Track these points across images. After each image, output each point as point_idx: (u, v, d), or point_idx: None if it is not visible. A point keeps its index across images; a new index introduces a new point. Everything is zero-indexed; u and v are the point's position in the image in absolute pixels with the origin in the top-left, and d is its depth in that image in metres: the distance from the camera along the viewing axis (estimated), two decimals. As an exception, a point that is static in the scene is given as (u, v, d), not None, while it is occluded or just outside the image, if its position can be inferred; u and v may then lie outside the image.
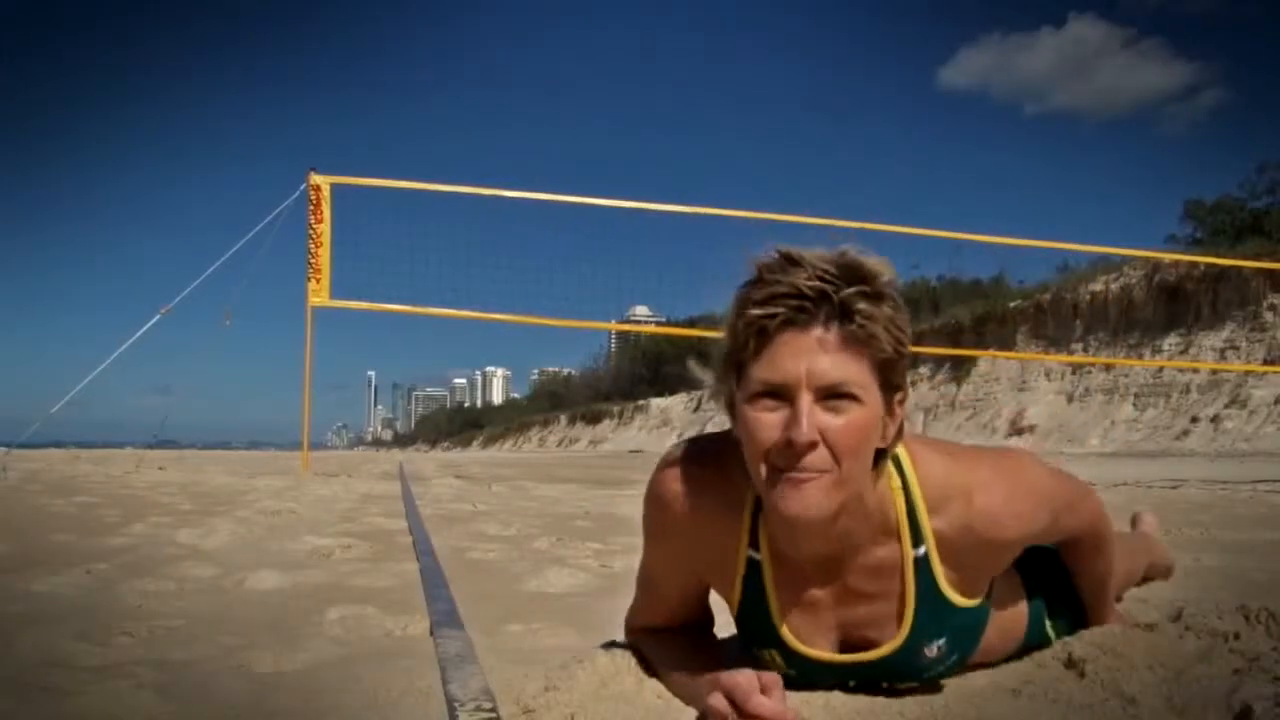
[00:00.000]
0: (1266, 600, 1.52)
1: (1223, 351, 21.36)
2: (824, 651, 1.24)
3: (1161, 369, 21.96)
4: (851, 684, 1.27)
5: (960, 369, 27.55)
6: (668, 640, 1.34)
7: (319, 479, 8.52)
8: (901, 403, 1.11)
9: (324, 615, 1.90)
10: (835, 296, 1.03)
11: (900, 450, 1.18)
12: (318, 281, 8.93)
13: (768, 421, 1.05)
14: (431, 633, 1.74)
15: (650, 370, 60.79)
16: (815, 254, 1.05)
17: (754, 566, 1.23)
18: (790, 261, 1.05)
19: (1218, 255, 19.06)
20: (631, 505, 5.41)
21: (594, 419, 60.13)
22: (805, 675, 1.26)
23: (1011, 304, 28.00)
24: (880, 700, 1.23)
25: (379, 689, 1.32)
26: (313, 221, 8.97)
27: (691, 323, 28.44)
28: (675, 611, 1.37)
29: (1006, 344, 26.38)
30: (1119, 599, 1.76)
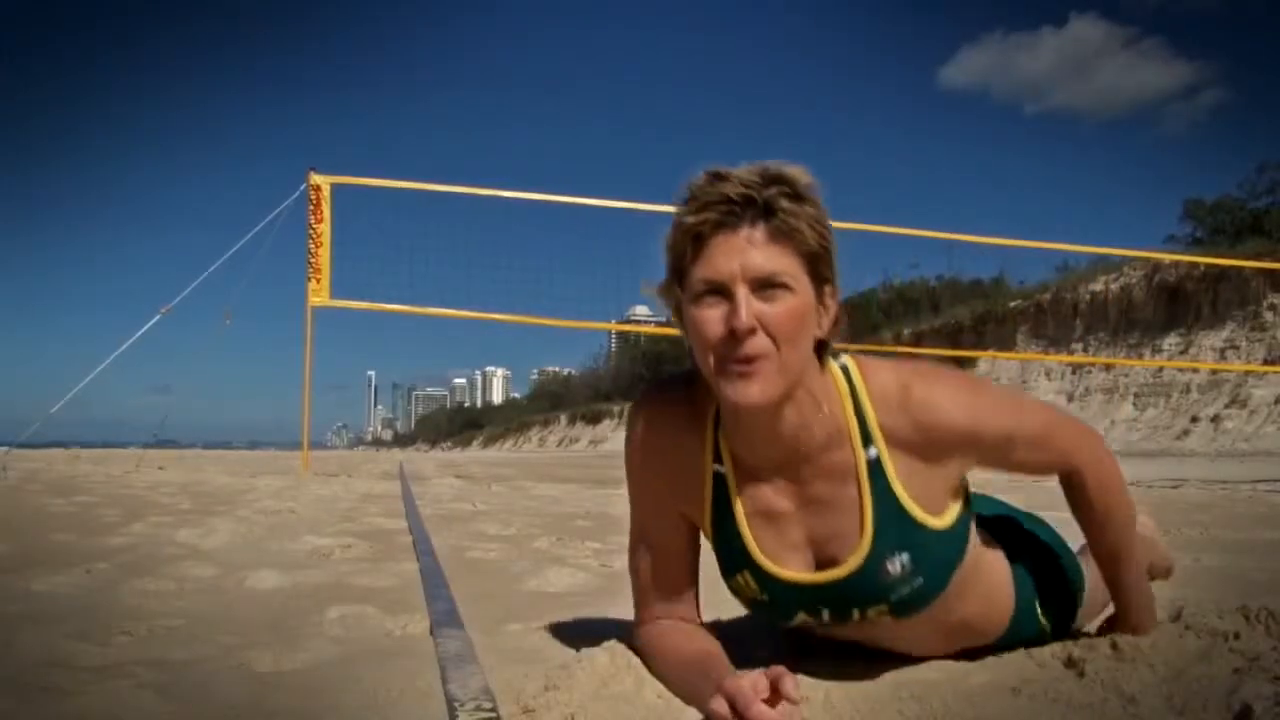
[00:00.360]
0: (1266, 600, 1.52)
1: (1223, 351, 21.37)
2: (794, 571, 1.29)
3: (1161, 369, 21.97)
4: (825, 615, 1.30)
5: (960, 369, 27.54)
6: (672, 636, 1.35)
7: (319, 479, 8.53)
8: (833, 295, 1.22)
9: (324, 615, 1.90)
10: (759, 198, 1.14)
11: (849, 361, 1.29)
12: (318, 281, 8.94)
13: (711, 317, 1.16)
14: (431, 632, 1.74)
15: (650, 370, 60.79)
16: (740, 168, 1.18)
17: (719, 480, 1.31)
18: (717, 177, 1.17)
19: (1217, 255, 19.07)
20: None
21: (594, 419, 60.15)
22: (777, 600, 1.31)
23: (1011, 304, 28.02)
24: (880, 699, 1.23)
25: (379, 688, 1.32)
26: (313, 221, 8.97)
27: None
28: (668, 568, 1.38)
29: (1006, 344, 26.40)
30: (1103, 609, 1.74)
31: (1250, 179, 28.92)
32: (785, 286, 1.15)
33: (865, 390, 1.26)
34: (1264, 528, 4.07)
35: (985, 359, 26.27)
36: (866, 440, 1.25)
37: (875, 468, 1.25)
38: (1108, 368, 23.63)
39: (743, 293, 1.14)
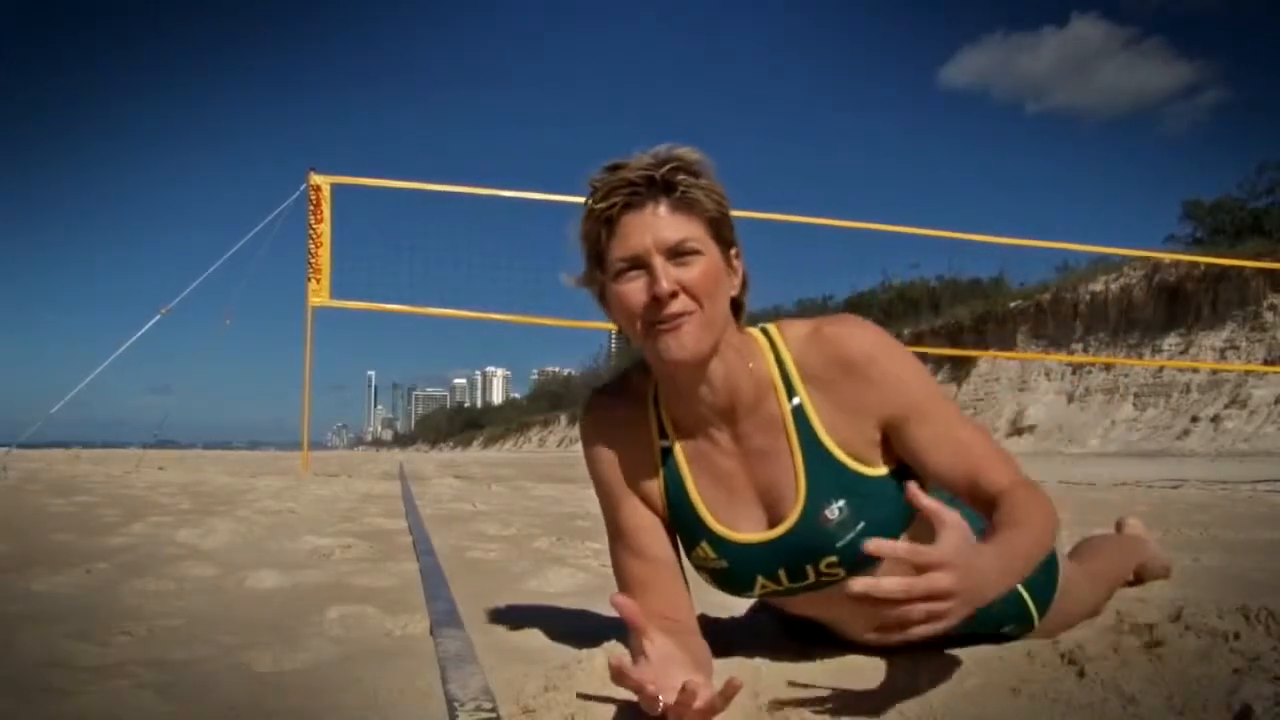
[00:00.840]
0: (1267, 600, 1.52)
1: (1223, 351, 21.36)
2: (747, 533, 1.35)
3: (1161, 369, 21.96)
4: (782, 576, 1.35)
5: (960, 369, 27.54)
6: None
7: (319, 479, 8.53)
8: (737, 256, 1.32)
9: (324, 615, 1.90)
10: (658, 177, 1.24)
11: (769, 325, 1.39)
12: (318, 281, 8.94)
13: (634, 289, 1.25)
14: (431, 632, 1.74)
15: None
16: (634, 157, 1.27)
17: (667, 454, 1.40)
18: (616, 167, 1.26)
19: (1218, 255, 19.05)
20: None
21: (594, 419, 59.97)
22: (735, 567, 1.37)
23: (1011, 304, 28.00)
24: (880, 699, 1.23)
25: (379, 688, 1.32)
26: (313, 221, 8.97)
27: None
28: (650, 569, 1.41)
29: (1006, 344, 26.38)
30: (1097, 610, 1.74)
31: (1250, 179, 28.91)
32: (695, 251, 1.24)
33: (783, 342, 1.36)
34: (1264, 528, 4.08)
35: (985, 359, 26.27)
36: (790, 392, 1.34)
37: (799, 415, 1.33)
38: (1108, 368, 23.62)
39: (659, 262, 1.23)
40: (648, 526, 1.42)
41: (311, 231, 8.95)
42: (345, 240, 9.27)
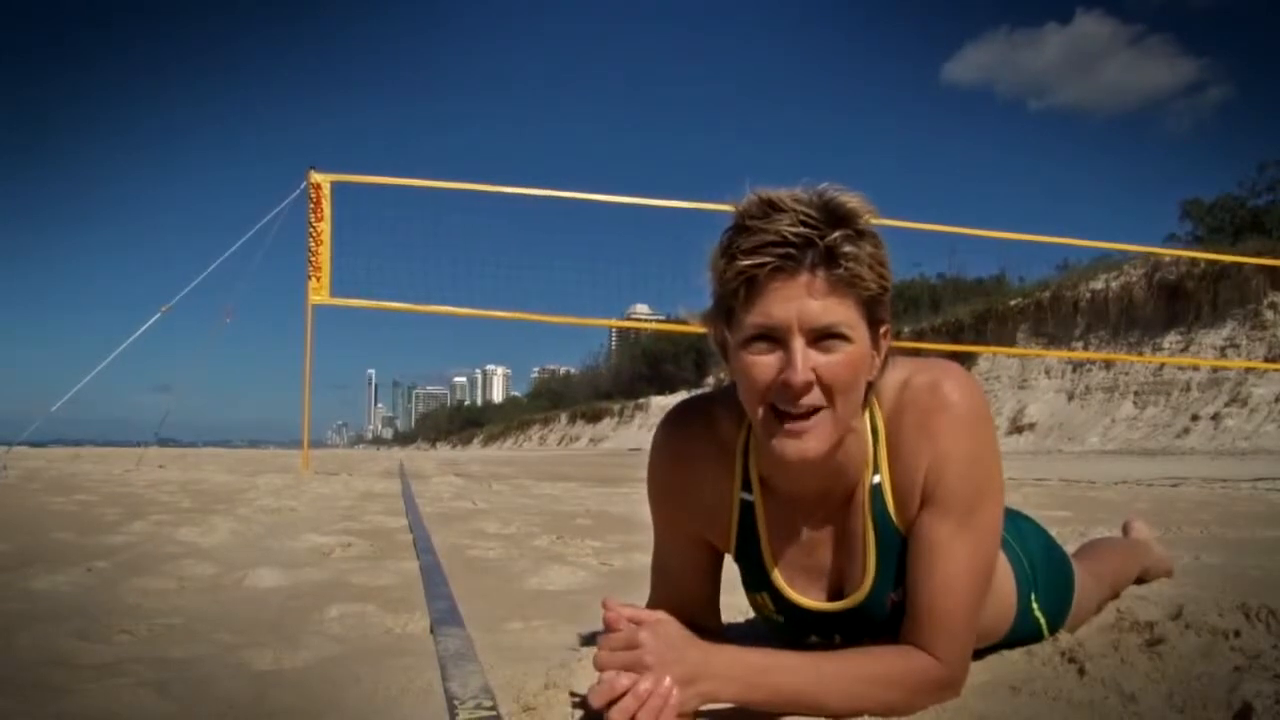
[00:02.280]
0: (1267, 598, 1.52)
1: (1223, 349, 21.36)
2: (810, 599, 1.28)
3: (1162, 367, 21.96)
4: (837, 639, 1.29)
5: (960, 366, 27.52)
6: None
7: (319, 477, 8.53)
8: (885, 335, 1.16)
9: (324, 613, 1.90)
10: (820, 242, 1.06)
11: None
12: (318, 279, 8.93)
13: (763, 364, 1.10)
14: (431, 631, 1.74)
15: (650, 368, 60.81)
16: (795, 196, 1.08)
17: (747, 508, 1.28)
18: (772, 207, 1.08)
19: (1218, 253, 19.04)
20: (631, 503, 5.41)
21: (594, 417, 60.13)
22: (792, 623, 1.30)
23: (1012, 302, 28.00)
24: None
25: (379, 687, 1.32)
26: (313, 219, 8.97)
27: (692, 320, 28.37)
28: (685, 595, 1.37)
29: (1007, 342, 26.38)
30: (1099, 609, 1.74)
31: (1250, 177, 28.90)
32: (843, 337, 1.08)
33: (877, 398, 1.22)
34: (1264, 526, 4.07)
35: (986, 357, 26.27)
36: (875, 466, 1.22)
37: (877, 495, 1.22)
38: (1108, 366, 23.62)
39: (799, 345, 1.07)
40: (697, 564, 1.37)
41: (311, 229, 8.95)
42: (345, 238, 9.27)
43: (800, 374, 1.07)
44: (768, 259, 1.06)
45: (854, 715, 1.11)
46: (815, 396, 1.09)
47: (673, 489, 1.33)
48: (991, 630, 1.38)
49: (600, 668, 1.06)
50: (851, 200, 1.08)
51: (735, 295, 1.10)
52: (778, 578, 1.29)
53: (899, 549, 1.22)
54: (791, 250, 1.06)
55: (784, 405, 1.10)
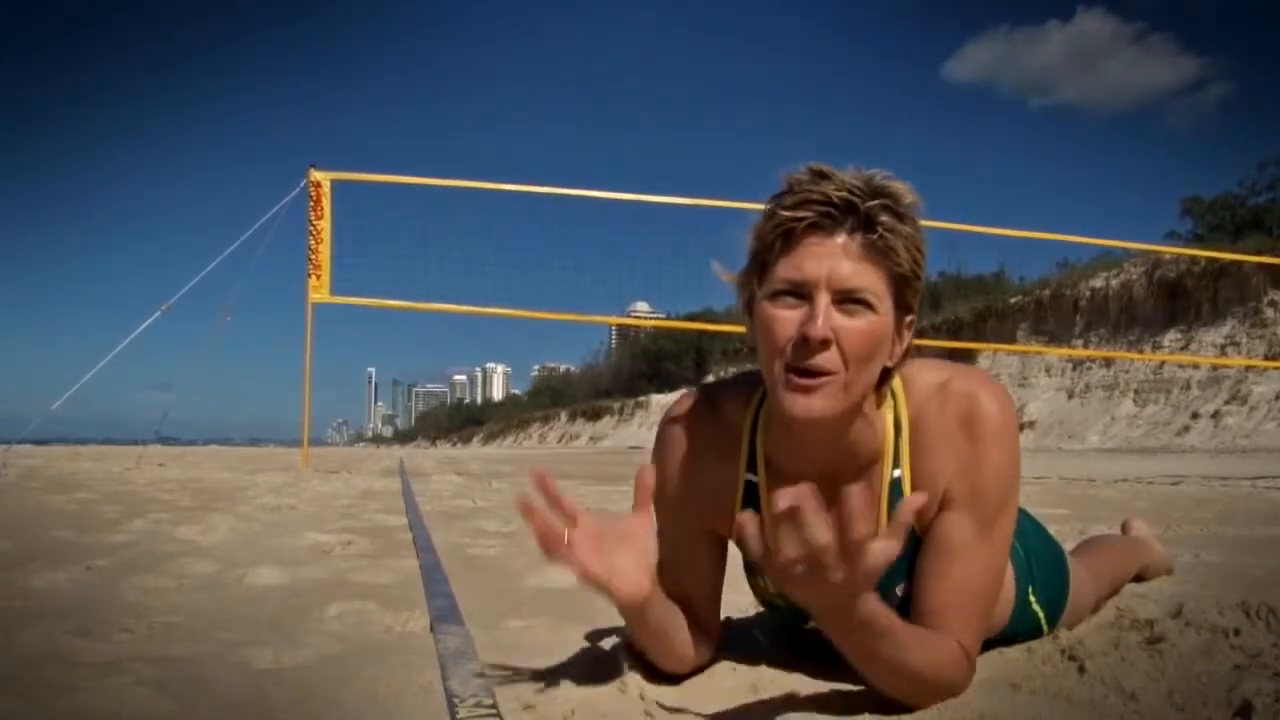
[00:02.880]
0: (1267, 596, 1.52)
1: (1223, 347, 21.37)
2: None
3: (1162, 365, 21.99)
4: None
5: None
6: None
7: (319, 475, 8.53)
8: (909, 326, 1.18)
9: (324, 611, 1.90)
10: (861, 206, 1.08)
11: (896, 377, 1.23)
12: (318, 278, 8.93)
13: (786, 318, 1.11)
14: (431, 629, 1.74)
15: (651, 366, 60.84)
16: (844, 171, 1.12)
17: (751, 489, 1.29)
18: (820, 175, 1.11)
19: (1218, 251, 19.05)
20: (630, 502, 5.40)
21: (594, 415, 60.19)
22: (794, 606, 1.28)
23: (1012, 299, 28.03)
24: (882, 696, 1.23)
25: (379, 685, 1.32)
26: (313, 218, 8.96)
27: (692, 318, 28.47)
28: (687, 589, 1.36)
29: (1007, 340, 26.40)
30: (1098, 607, 1.74)
31: (1251, 175, 28.91)
32: (868, 305, 1.10)
33: (905, 395, 1.22)
34: (1264, 524, 4.07)
35: (986, 354, 26.28)
36: (896, 460, 1.22)
37: (896, 489, 1.22)
38: (1108, 363, 23.64)
39: (824, 301, 1.09)
40: (697, 553, 1.36)
41: (311, 227, 8.94)
42: (345, 236, 9.26)
43: (820, 328, 1.08)
44: (808, 214, 1.09)
45: (896, 686, 1.12)
46: (831, 358, 1.10)
47: (676, 477, 1.33)
48: (992, 623, 1.39)
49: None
50: (898, 183, 1.12)
51: (771, 249, 1.12)
52: None
53: (911, 546, 1.22)
54: (833, 210, 1.09)
55: (799, 362, 1.10)
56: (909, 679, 1.12)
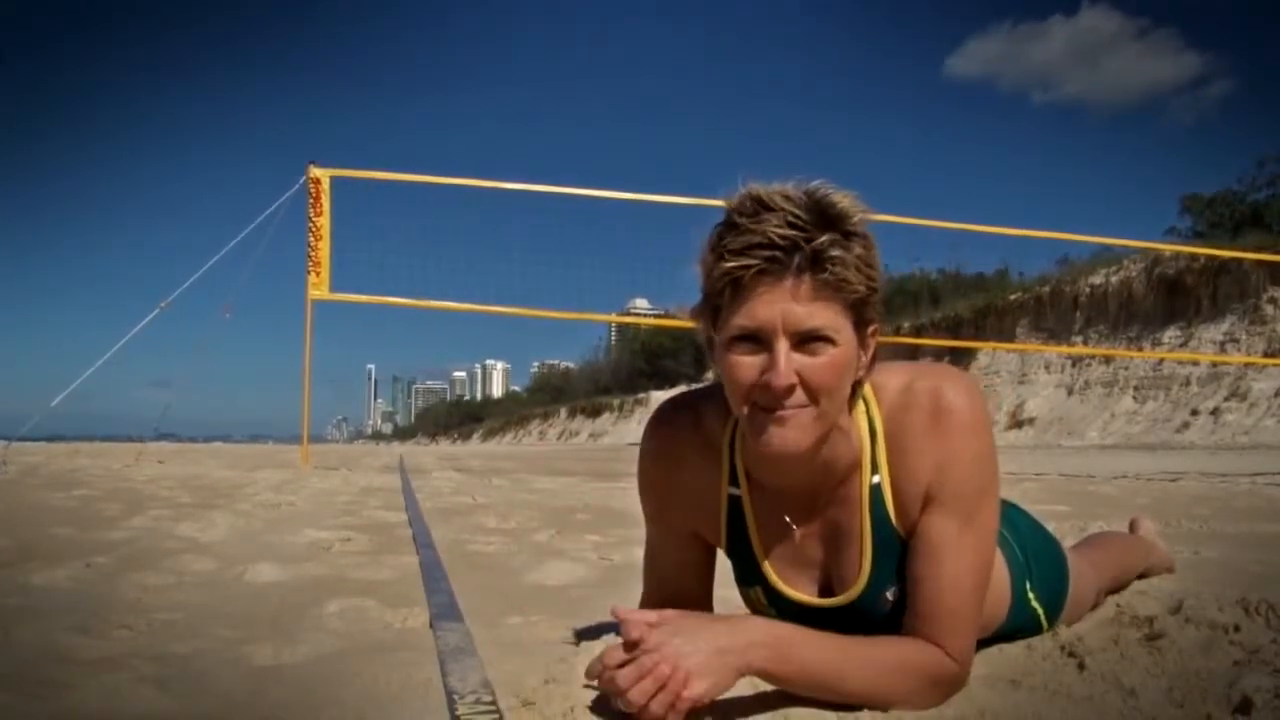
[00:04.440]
0: (1266, 593, 1.52)
1: (1223, 344, 21.36)
2: (802, 593, 1.28)
3: (1161, 361, 21.98)
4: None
5: (960, 362, 27.55)
6: None
7: (319, 472, 8.53)
8: (874, 334, 1.16)
9: (323, 608, 1.90)
10: (807, 246, 1.05)
11: (867, 386, 1.22)
12: (317, 274, 8.93)
13: (747, 364, 1.10)
14: (431, 625, 1.74)
15: (650, 363, 60.83)
16: (785, 195, 1.07)
17: (735, 502, 1.30)
18: (762, 205, 1.07)
19: (1218, 248, 19.04)
20: (630, 498, 5.41)
21: (594, 412, 60.19)
22: (784, 617, 1.28)
23: (1011, 297, 28.01)
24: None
25: (378, 682, 1.32)
26: (312, 214, 8.96)
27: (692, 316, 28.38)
28: (678, 591, 1.37)
29: (1006, 337, 26.41)
30: (1098, 603, 1.74)
31: (1250, 172, 28.89)
32: (828, 339, 1.08)
33: (875, 399, 1.23)
34: (1263, 521, 4.08)
35: (985, 352, 26.27)
36: (874, 466, 1.22)
37: (876, 496, 1.22)
38: (1108, 360, 23.64)
39: (783, 347, 1.07)
40: (689, 558, 1.38)
41: (311, 224, 8.94)
42: (345, 233, 9.27)
43: (783, 377, 1.07)
44: (754, 261, 1.06)
45: (866, 701, 1.13)
46: (799, 398, 1.10)
47: (662, 486, 1.34)
48: (988, 620, 1.39)
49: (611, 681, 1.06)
50: (842, 200, 1.08)
51: (721, 295, 1.10)
52: (768, 570, 1.30)
53: (897, 550, 1.23)
54: (778, 254, 1.05)
55: (767, 404, 1.10)
56: (872, 693, 1.13)
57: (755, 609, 1.37)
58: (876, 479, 1.22)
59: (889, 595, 1.24)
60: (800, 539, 1.28)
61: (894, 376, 1.24)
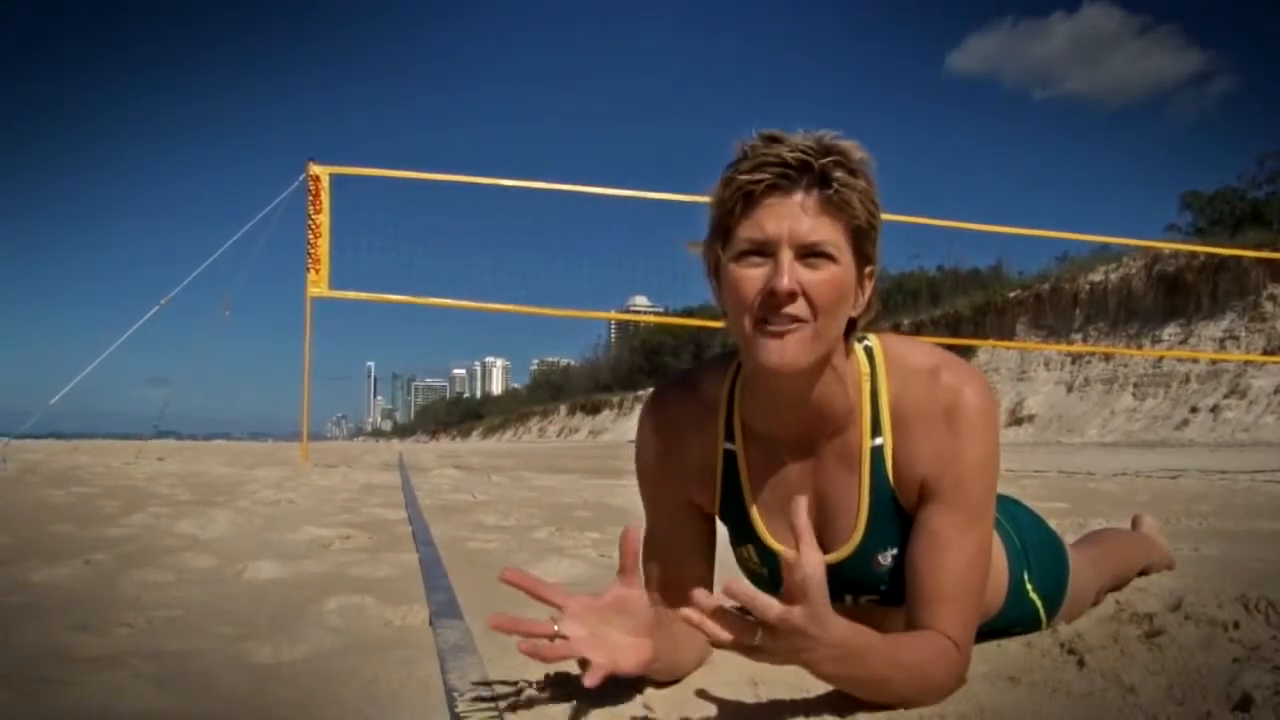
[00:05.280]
0: (1266, 589, 1.52)
1: (1222, 341, 21.38)
2: (791, 548, 1.27)
3: (1161, 359, 21.99)
4: None
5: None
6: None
7: (318, 469, 8.53)
8: (871, 275, 1.21)
9: (323, 605, 1.90)
10: (815, 165, 1.12)
11: (874, 341, 1.28)
12: (317, 272, 8.92)
13: (752, 276, 1.15)
14: (431, 623, 1.74)
15: (649, 360, 60.84)
16: (795, 135, 1.15)
17: (730, 458, 1.33)
18: (773, 139, 1.15)
19: (1217, 245, 19.04)
20: (630, 495, 5.41)
21: (594, 409, 60.22)
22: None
23: (1011, 294, 28.01)
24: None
25: (378, 679, 1.32)
26: (311, 212, 8.95)
27: (690, 313, 28.45)
28: (677, 576, 1.36)
29: (1006, 334, 26.41)
30: (1098, 600, 1.74)
31: (1250, 169, 28.90)
32: (829, 257, 1.14)
33: (886, 374, 1.26)
34: (1263, 518, 4.08)
35: (985, 349, 26.28)
36: (876, 428, 1.25)
37: (877, 456, 1.25)
38: (1107, 358, 23.65)
39: (787, 257, 1.13)
40: (689, 541, 1.39)
41: (310, 222, 8.93)
42: (344, 231, 9.26)
43: (786, 282, 1.12)
44: (765, 176, 1.13)
45: (900, 703, 1.14)
46: (799, 308, 1.14)
47: (659, 458, 1.37)
48: (986, 608, 1.39)
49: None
50: (847, 142, 1.16)
51: (732, 212, 1.16)
52: (759, 525, 1.32)
53: (890, 514, 1.26)
54: (789, 170, 1.13)
55: (768, 315, 1.14)
56: (900, 693, 1.14)
57: (748, 569, 1.38)
58: (879, 440, 1.25)
59: (881, 559, 1.27)
60: (794, 492, 1.27)
61: (917, 354, 1.27)
